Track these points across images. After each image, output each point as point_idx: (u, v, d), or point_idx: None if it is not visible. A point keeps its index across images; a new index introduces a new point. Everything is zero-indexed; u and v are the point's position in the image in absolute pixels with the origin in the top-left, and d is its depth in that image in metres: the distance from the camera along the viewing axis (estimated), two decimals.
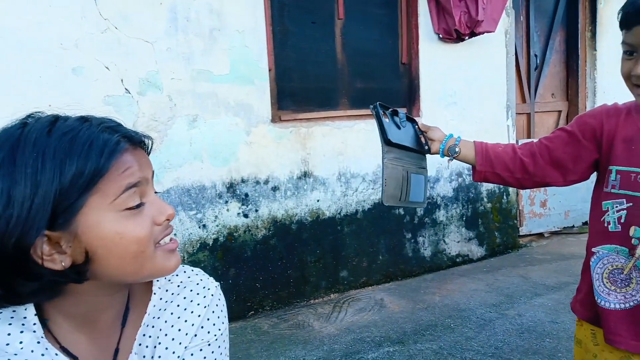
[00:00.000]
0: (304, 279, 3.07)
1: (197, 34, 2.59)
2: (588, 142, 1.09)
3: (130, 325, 0.72)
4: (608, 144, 1.05)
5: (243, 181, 2.80)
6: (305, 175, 3.01)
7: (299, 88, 3.07)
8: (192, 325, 0.74)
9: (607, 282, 1.03)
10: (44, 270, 0.58)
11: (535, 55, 4.53)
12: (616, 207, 1.02)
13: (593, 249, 1.07)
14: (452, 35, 3.42)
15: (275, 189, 2.91)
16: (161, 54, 2.49)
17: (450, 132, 1.24)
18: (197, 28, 2.59)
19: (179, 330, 0.73)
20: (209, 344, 0.75)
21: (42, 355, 0.63)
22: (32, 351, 0.63)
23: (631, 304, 1.00)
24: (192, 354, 0.74)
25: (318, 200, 3.07)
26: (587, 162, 1.10)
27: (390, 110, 1.15)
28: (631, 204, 1.00)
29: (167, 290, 0.76)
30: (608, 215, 1.03)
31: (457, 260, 3.78)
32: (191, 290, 0.76)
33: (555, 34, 4.61)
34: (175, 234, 2.56)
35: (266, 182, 2.88)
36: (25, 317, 0.64)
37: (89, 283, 0.63)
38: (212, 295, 0.77)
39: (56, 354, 0.64)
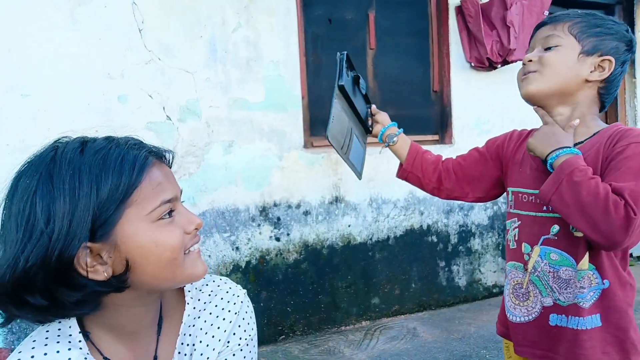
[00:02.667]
0: (335, 305, 3.05)
1: (235, 64, 2.72)
2: (493, 162, 1.17)
3: (165, 334, 0.75)
4: (505, 166, 1.14)
5: (275, 205, 2.85)
6: (337, 200, 3.04)
7: None
8: (225, 331, 0.77)
9: (512, 297, 1.08)
10: (88, 281, 0.62)
11: None
12: (512, 225, 1.08)
13: (505, 267, 1.13)
14: (484, 63, 3.44)
15: (306, 213, 2.95)
16: (201, 84, 2.63)
17: None
18: (235, 59, 2.72)
19: (213, 337, 0.76)
20: (241, 349, 0.78)
21: None
22: None
23: (533, 316, 1.04)
24: (225, 359, 0.76)
25: (349, 226, 3.09)
26: (491, 180, 1.18)
27: (351, 69, 1.20)
28: (520, 222, 1.05)
29: (199, 300, 0.79)
30: (508, 233, 1.10)
31: (494, 290, 3.66)
32: (222, 299, 0.79)
33: None
34: (209, 256, 2.62)
35: (298, 206, 2.92)
36: (70, 335, 0.67)
37: (127, 293, 0.67)
38: (242, 302, 0.81)
39: None
